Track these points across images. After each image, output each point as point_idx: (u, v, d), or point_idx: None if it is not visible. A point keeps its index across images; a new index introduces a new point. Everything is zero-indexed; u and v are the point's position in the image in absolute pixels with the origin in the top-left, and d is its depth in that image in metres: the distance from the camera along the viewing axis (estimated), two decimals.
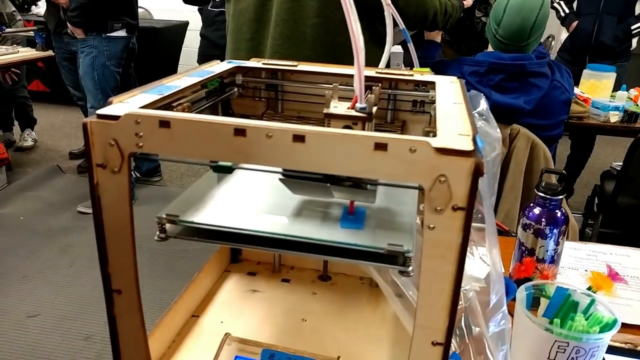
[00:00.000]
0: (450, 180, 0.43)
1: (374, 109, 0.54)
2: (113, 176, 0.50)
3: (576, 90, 2.40)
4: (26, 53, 3.38)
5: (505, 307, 0.63)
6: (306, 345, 0.73)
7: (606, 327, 0.68)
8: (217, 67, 0.73)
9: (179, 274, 2.53)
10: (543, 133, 1.63)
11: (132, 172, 3.23)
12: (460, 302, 0.72)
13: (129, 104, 0.52)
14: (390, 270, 0.67)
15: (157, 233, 0.57)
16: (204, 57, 3.71)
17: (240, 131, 0.45)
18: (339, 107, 0.54)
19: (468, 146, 0.43)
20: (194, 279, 0.81)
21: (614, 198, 2.22)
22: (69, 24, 2.92)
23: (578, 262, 1.11)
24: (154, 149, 0.48)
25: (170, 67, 4.84)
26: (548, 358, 0.68)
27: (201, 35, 3.78)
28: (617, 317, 0.68)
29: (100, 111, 0.49)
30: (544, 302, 0.77)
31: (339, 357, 0.62)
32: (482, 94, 0.71)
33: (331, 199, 0.59)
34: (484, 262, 0.81)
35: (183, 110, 0.59)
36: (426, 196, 0.44)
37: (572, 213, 1.63)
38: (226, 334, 0.66)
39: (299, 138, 0.44)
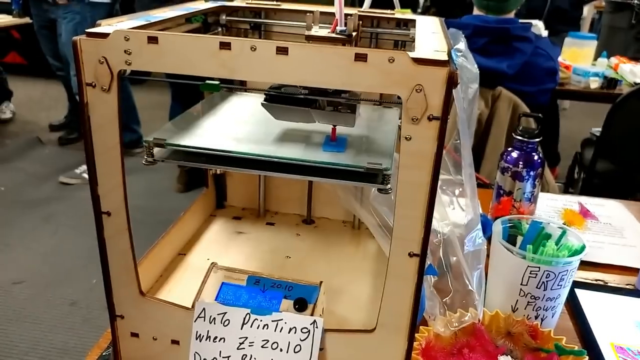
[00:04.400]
0: (426, 89, 0.46)
1: (353, 34, 0.56)
2: (103, 95, 0.51)
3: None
4: (2, 19, 3.31)
5: (479, 226, 0.66)
6: (290, 277, 0.75)
7: (575, 254, 0.71)
8: (201, 5, 0.74)
9: None
10: (528, 100, 1.66)
11: None
12: (438, 236, 0.75)
13: (117, 26, 0.53)
14: (372, 198, 0.70)
15: (145, 157, 0.58)
16: None
17: (225, 44, 0.47)
18: (319, 31, 0.56)
19: (443, 57, 0.46)
20: (180, 218, 0.83)
21: (593, 163, 2.26)
22: None
23: (554, 211, 1.15)
24: (143, 65, 0.50)
25: None
26: (521, 284, 0.71)
27: None
28: (585, 243, 0.72)
29: (90, 30, 0.50)
30: (519, 240, 0.80)
31: (321, 282, 0.65)
32: (462, 33, 0.73)
33: (312, 123, 0.61)
34: (464, 210, 0.84)
35: None
36: (403, 107, 0.47)
37: (555, 182, 1.67)
38: (213, 263, 0.68)
39: (282, 50, 0.46)
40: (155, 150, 0.59)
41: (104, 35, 0.50)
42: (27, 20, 3.29)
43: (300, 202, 0.93)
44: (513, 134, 0.91)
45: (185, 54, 0.49)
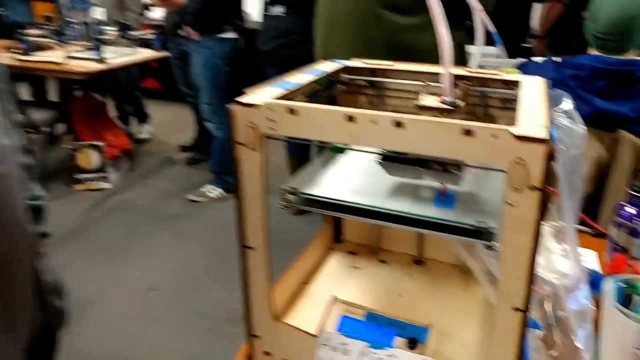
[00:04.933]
0: (527, 162, 0.51)
1: (460, 102, 0.63)
2: (251, 153, 0.63)
3: None
4: (146, 53, 3.73)
5: (585, 285, 0.67)
6: (402, 315, 0.82)
7: None
8: (325, 66, 0.84)
9: (280, 261, 2.71)
10: None
11: (222, 187, 3.47)
12: (546, 287, 0.78)
13: (262, 95, 0.64)
14: (480, 249, 0.75)
15: (280, 202, 0.69)
16: None
17: (351, 118, 0.56)
18: (429, 100, 0.63)
19: (543, 134, 0.51)
20: (303, 251, 0.93)
21: None
22: (187, 27, 3.20)
23: None
24: (285, 132, 0.60)
25: None
26: (638, 349, 0.71)
27: None
28: None
29: (242, 99, 0.62)
30: (636, 300, 0.77)
31: (430, 324, 0.71)
32: (566, 93, 0.75)
33: (421, 181, 0.68)
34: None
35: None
36: (506, 177, 0.53)
37: None
38: (334, 296, 0.77)
39: (399, 124, 0.54)
40: (289, 197, 0.69)
41: (254, 106, 0.61)
42: (165, 54, 3.68)
43: (411, 242, 1.00)
44: (629, 190, 0.91)
45: (319, 124, 0.58)
